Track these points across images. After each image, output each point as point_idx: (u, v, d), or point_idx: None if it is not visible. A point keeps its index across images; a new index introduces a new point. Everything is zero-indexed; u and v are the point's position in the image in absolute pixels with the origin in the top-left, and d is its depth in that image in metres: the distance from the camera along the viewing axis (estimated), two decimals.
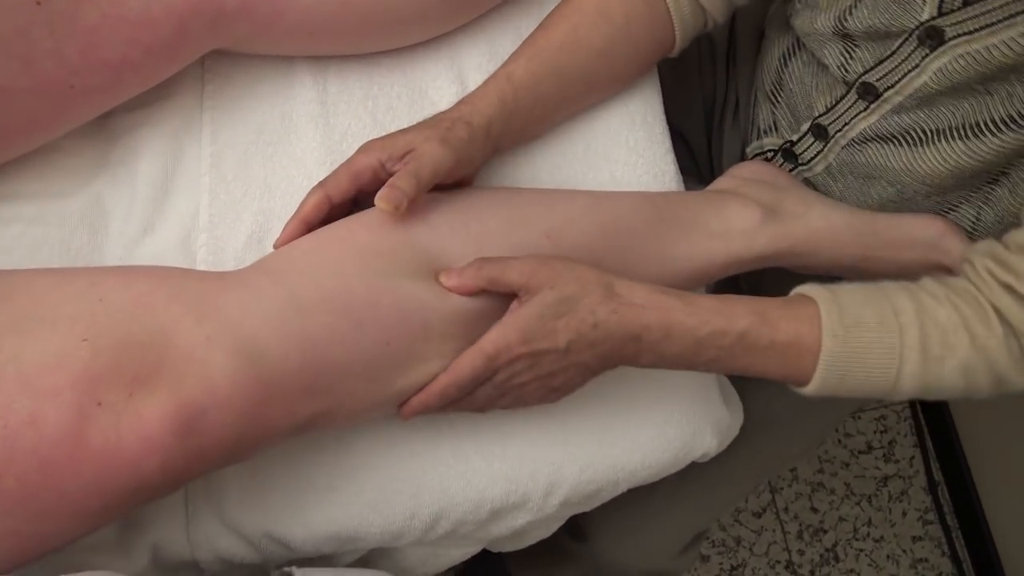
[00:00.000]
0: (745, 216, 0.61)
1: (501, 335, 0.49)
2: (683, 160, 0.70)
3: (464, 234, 0.52)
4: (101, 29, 0.50)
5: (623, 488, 0.62)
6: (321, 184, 0.53)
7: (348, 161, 0.54)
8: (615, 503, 0.67)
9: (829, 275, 0.63)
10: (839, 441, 1.32)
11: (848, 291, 0.52)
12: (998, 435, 1.22)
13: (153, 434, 0.39)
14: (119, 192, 0.58)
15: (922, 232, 0.61)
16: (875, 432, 1.33)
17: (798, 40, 0.66)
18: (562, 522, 0.68)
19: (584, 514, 0.71)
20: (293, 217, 0.53)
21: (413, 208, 0.51)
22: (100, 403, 0.39)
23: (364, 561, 0.65)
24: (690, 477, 0.74)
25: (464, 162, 0.54)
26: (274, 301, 0.46)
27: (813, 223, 0.62)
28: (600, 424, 0.59)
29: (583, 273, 0.50)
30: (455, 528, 0.58)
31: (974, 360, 0.49)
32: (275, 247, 0.52)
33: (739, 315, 0.51)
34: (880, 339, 0.50)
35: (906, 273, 0.62)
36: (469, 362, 0.49)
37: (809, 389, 0.52)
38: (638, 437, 0.60)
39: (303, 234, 0.52)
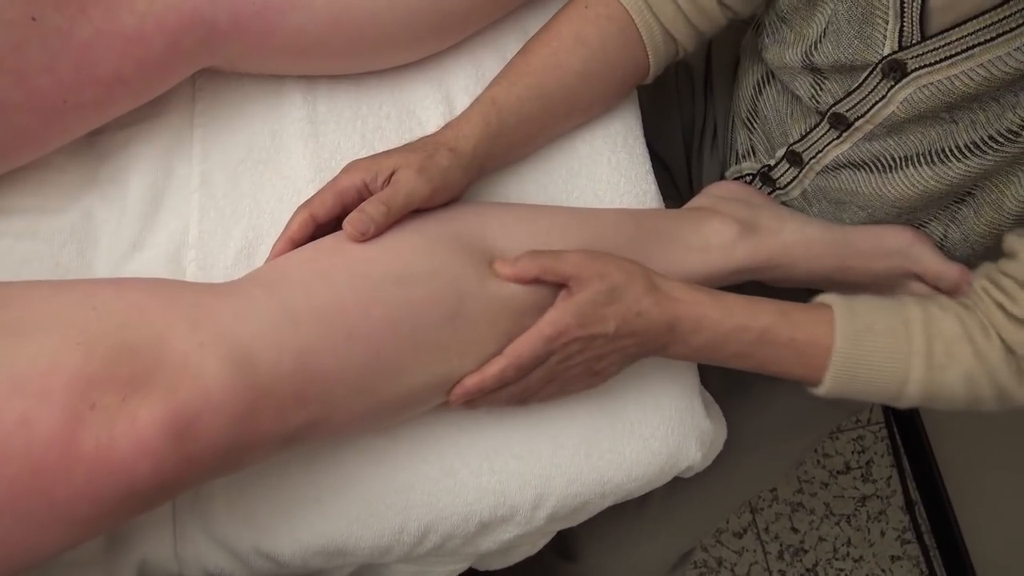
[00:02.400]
0: (723, 231, 0.63)
1: (559, 318, 0.51)
2: (664, 186, 0.71)
3: (454, 243, 0.53)
4: (95, 45, 0.51)
5: (610, 501, 0.62)
6: (306, 204, 0.54)
7: (333, 181, 0.55)
8: (604, 522, 0.67)
9: (806, 288, 0.65)
10: (818, 462, 1.33)
11: (863, 300, 0.55)
12: (973, 454, 1.23)
13: (146, 437, 0.39)
14: (109, 208, 0.58)
15: (893, 241, 0.63)
16: (853, 452, 1.34)
17: (770, 70, 0.67)
18: (549, 537, 0.68)
19: (573, 533, 0.71)
20: (280, 237, 0.53)
21: (404, 220, 0.53)
22: (93, 406, 0.39)
23: None
24: (678, 495, 0.75)
25: (443, 189, 0.55)
26: (266, 310, 0.46)
27: (788, 236, 0.64)
28: (586, 438, 0.60)
29: (628, 266, 0.54)
30: (443, 542, 0.58)
31: (976, 370, 0.52)
32: None
33: (763, 312, 0.54)
34: (889, 344, 0.53)
35: (879, 282, 0.64)
36: (528, 343, 0.51)
37: (821, 388, 0.55)
38: (624, 450, 0.60)
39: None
